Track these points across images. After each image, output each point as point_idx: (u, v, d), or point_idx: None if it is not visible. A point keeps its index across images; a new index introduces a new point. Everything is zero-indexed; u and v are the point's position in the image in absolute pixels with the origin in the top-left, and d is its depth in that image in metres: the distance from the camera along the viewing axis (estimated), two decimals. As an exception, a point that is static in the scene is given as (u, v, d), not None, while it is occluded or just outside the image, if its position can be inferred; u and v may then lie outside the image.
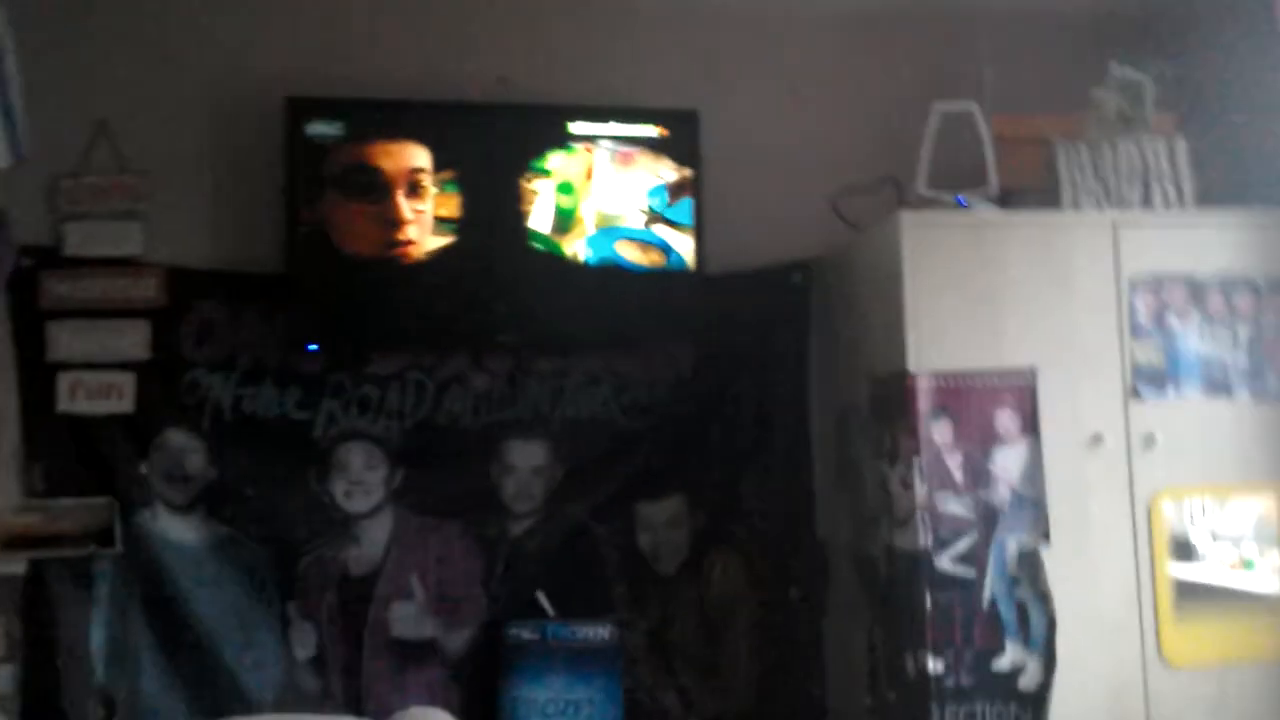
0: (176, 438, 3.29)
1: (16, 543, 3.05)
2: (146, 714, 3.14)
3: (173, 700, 3.17)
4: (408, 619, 3.36)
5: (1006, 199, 3.29)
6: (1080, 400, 3.12)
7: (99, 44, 3.40)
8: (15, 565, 3.04)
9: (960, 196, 3.26)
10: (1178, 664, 3.08)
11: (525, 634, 3.35)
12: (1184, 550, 3.17)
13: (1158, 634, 3.08)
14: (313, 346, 3.31)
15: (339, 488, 3.37)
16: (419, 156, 3.30)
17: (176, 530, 3.26)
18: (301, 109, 3.27)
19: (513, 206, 3.35)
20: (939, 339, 3.07)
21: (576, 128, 3.41)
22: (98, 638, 3.17)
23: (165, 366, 3.30)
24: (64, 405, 3.24)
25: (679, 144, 3.47)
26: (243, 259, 3.39)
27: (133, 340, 3.30)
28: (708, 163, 3.49)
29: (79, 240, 3.31)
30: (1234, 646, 3.12)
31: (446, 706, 3.28)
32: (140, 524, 3.23)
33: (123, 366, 3.28)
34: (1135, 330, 3.16)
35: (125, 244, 3.34)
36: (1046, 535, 3.04)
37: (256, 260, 3.36)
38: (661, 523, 3.55)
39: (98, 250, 3.32)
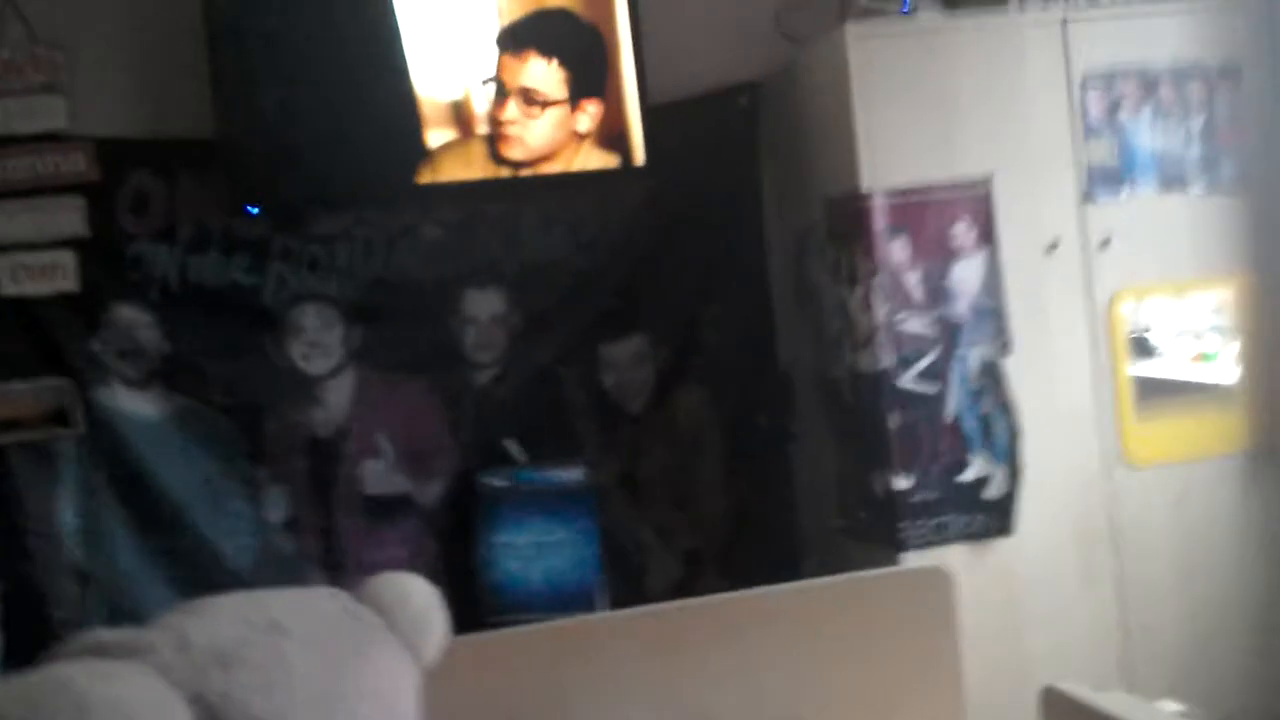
0: (126, 313, 3.23)
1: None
2: (124, 589, 3.16)
3: (150, 571, 3.19)
4: (379, 476, 3.37)
5: (952, 2, 3.19)
6: (1036, 206, 3.08)
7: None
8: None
9: (905, 2, 3.16)
10: (1140, 462, 3.12)
11: (498, 481, 3.36)
12: (1144, 348, 3.19)
13: (1120, 434, 3.12)
14: (253, 210, 3.22)
15: (296, 351, 3.34)
16: None
17: (136, 405, 3.24)
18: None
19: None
20: (892, 154, 3.02)
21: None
22: (68, 518, 3.17)
23: (106, 242, 3.22)
24: (7, 289, 3.16)
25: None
26: (172, 125, 3.28)
27: (69, 217, 3.21)
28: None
29: (0, 119, 3.20)
30: (1196, 441, 3.17)
31: (424, 557, 3.33)
32: (99, 402, 3.20)
33: (63, 245, 3.20)
34: (1088, 130, 3.11)
35: (49, 119, 3.22)
36: (1008, 346, 3.04)
37: (187, 125, 3.25)
38: (625, 361, 3.54)
39: (21, 128, 3.21)
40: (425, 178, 3.24)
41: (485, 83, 3.23)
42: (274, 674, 1.55)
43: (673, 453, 3.58)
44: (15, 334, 3.17)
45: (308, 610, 1.68)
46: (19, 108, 3.20)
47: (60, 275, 3.20)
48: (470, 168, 3.26)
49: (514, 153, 3.28)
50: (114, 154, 3.24)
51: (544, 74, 3.27)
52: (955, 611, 2.22)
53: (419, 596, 1.81)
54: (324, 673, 1.60)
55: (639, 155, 3.37)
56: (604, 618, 2.52)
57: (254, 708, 1.53)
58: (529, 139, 3.27)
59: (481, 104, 3.25)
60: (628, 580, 3.46)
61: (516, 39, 3.27)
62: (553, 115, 3.29)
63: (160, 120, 3.29)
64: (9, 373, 3.16)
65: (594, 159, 3.34)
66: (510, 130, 3.26)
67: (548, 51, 3.28)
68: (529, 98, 3.26)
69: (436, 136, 3.24)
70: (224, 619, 1.61)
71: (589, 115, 3.31)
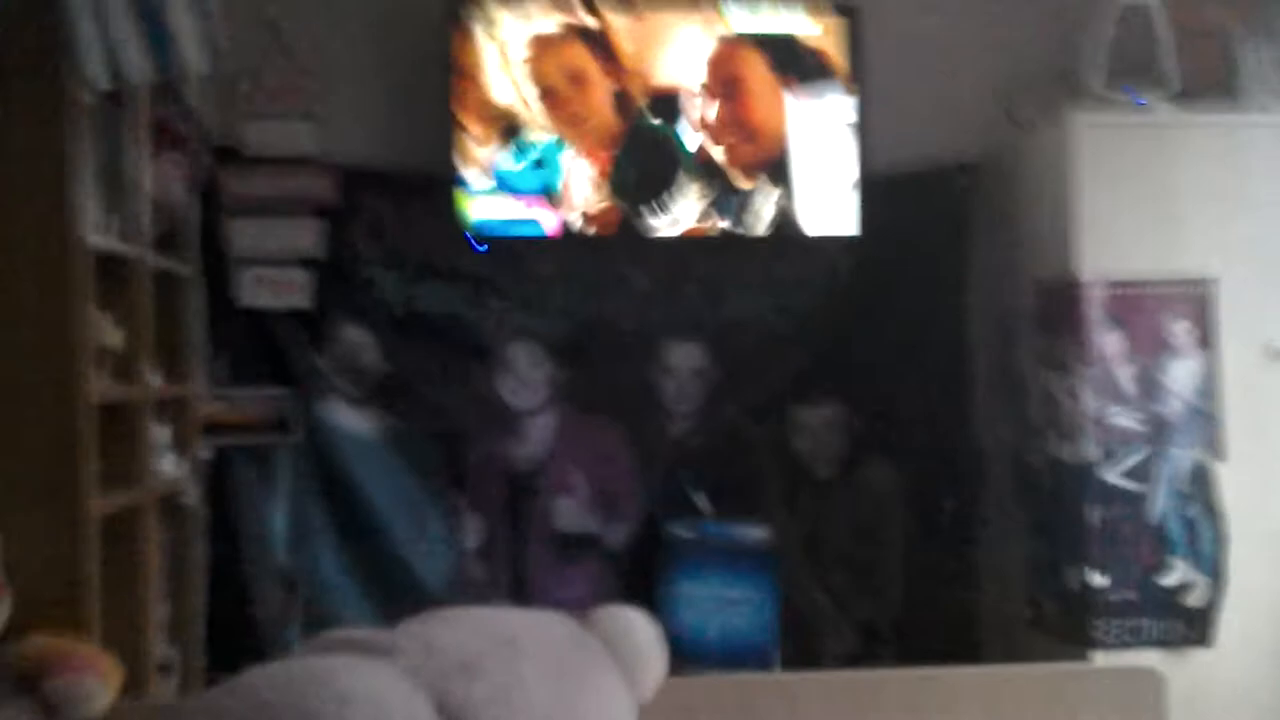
0: (352, 333, 3.40)
1: (204, 430, 3.20)
2: (325, 597, 3.30)
3: (350, 584, 3.33)
4: (570, 514, 3.45)
5: (1184, 97, 3.15)
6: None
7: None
8: (203, 451, 3.19)
9: (1139, 97, 3.14)
10: (1354, 586, 3.01)
11: (683, 531, 3.41)
12: (1364, 469, 3.08)
13: (1334, 555, 3.01)
14: (482, 247, 3.36)
15: (506, 385, 3.46)
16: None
17: (352, 421, 3.39)
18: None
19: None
20: (1110, 244, 3.01)
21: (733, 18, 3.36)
22: (279, 522, 3.33)
23: (340, 264, 3.40)
24: (246, 300, 3.36)
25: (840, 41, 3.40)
26: (412, 158, 3.44)
27: (309, 237, 3.39)
28: (871, 58, 3.41)
29: (258, 140, 3.40)
30: None
31: (606, 598, 3.37)
32: (318, 414, 3.37)
33: (300, 263, 3.38)
34: (1321, 239, 3.05)
35: (301, 143, 3.41)
36: (1220, 451, 2.97)
37: (425, 159, 3.41)
38: (817, 426, 3.57)
39: (275, 150, 3.41)
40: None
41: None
42: (511, 688, 1.61)
43: (857, 523, 3.57)
44: (248, 343, 3.36)
45: (542, 631, 1.75)
46: (275, 131, 3.40)
47: (295, 291, 3.38)
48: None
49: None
50: (355, 181, 3.41)
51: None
52: (1165, 718, 2.16)
53: (642, 632, 1.86)
54: (555, 692, 1.66)
55: (852, 225, 3.41)
56: (794, 678, 2.52)
57: (485, 716, 1.60)
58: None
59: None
60: (801, 645, 3.46)
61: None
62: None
63: (401, 152, 3.47)
64: (238, 379, 3.35)
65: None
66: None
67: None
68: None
69: (663, 191, 3.36)
70: (466, 630, 1.68)
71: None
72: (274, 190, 3.39)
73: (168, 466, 2.73)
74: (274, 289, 3.38)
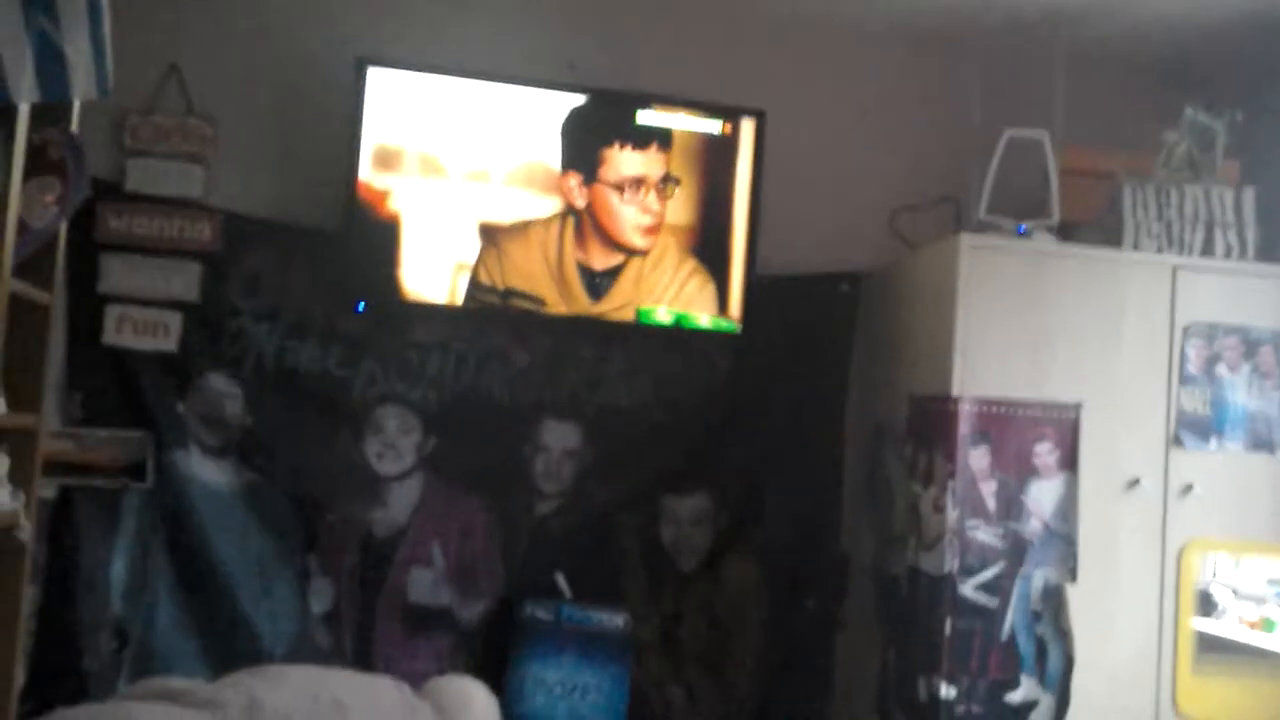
0: (217, 382, 3.31)
1: (49, 468, 3.06)
2: (158, 651, 3.16)
3: (185, 640, 3.19)
4: (425, 585, 3.38)
5: (1067, 231, 3.27)
6: (1122, 442, 3.10)
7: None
8: (46, 490, 3.05)
9: (1021, 225, 3.24)
10: (1192, 717, 3.05)
11: (540, 613, 3.35)
12: (1208, 602, 3.15)
13: (1174, 684, 3.06)
14: (360, 307, 3.31)
15: (372, 449, 3.39)
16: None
17: (208, 473, 3.29)
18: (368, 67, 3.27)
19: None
20: (985, 364, 3.06)
21: (644, 118, 3.40)
22: (118, 570, 3.20)
23: (212, 311, 3.32)
24: (110, 338, 3.26)
25: (743, 143, 3.46)
26: (298, 213, 3.40)
27: (183, 281, 3.32)
28: (769, 165, 3.48)
29: (141, 177, 3.34)
30: (1249, 704, 3.10)
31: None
32: (173, 462, 3.26)
33: (171, 306, 3.30)
34: (1184, 378, 3.14)
35: (185, 185, 3.36)
36: (1074, 573, 3.03)
37: (312, 215, 3.37)
38: (686, 518, 3.55)
39: (158, 189, 3.34)
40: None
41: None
42: (333, 754, 1.54)
43: (715, 618, 3.55)
44: (109, 382, 3.25)
45: (370, 696, 1.68)
46: (162, 170, 3.34)
47: (162, 334, 3.30)
48: (571, 303, 3.35)
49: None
50: (237, 229, 3.35)
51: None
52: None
53: (480, 704, 1.80)
54: (379, 762, 1.59)
55: (736, 322, 3.44)
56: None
57: (304, 785, 1.53)
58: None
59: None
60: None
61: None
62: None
63: (287, 204, 3.42)
64: (94, 418, 3.23)
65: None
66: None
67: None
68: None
69: (548, 268, 3.35)
70: (290, 689, 1.61)
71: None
72: (152, 230, 3.32)
73: (2, 498, 2.60)
74: (141, 330, 3.29)
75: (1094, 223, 3.30)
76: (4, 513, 2.56)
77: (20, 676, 2.94)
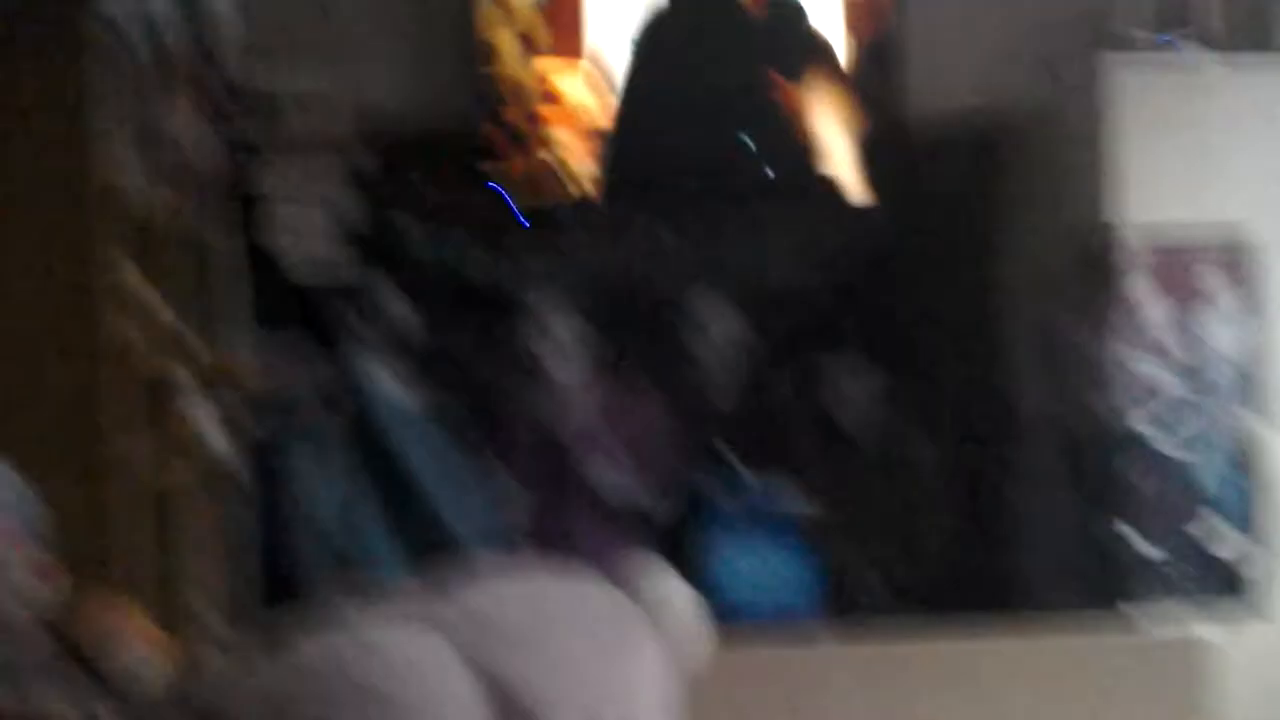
0: (395, 306, 3.42)
1: (254, 409, 3.22)
2: (369, 561, 3.33)
3: (393, 548, 3.36)
4: (612, 482, 3.47)
5: (1220, 42, 3.10)
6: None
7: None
8: (254, 430, 3.20)
9: (1170, 38, 3.07)
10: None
11: (725, 500, 3.43)
12: None
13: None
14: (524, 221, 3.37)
15: (548, 355, 3.48)
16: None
17: (395, 392, 3.42)
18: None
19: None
20: (1148, 194, 2.92)
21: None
22: (325, 492, 3.36)
23: (385, 238, 3.42)
24: (268, 240, 3.38)
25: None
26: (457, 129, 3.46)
27: (353, 212, 3.41)
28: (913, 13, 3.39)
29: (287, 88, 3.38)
30: None
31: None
32: (362, 385, 3.39)
33: (346, 238, 3.41)
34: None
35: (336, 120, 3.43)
36: (1269, 415, 2.92)
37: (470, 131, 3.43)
38: (857, 393, 3.55)
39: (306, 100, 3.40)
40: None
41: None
42: (556, 660, 1.63)
43: (892, 484, 3.57)
44: (294, 316, 3.38)
45: (586, 603, 1.76)
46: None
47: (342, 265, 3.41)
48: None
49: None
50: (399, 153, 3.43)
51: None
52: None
53: (684, 604, 1.87)
54: (598, 666, 1.68)
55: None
56: (826, 646, 2.51)
57: (533, 690, 1.62)
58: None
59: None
60: (837, 608, 3.46)
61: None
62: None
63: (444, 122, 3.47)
64: (284, 356, 3.37)
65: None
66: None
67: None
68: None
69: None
70: (510, 599, 1.70)
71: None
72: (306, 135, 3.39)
73: (219, 445, 2.75)
74: (320, 264, 3.40)
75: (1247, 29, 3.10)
76: (223, 458, 2.72)
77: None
